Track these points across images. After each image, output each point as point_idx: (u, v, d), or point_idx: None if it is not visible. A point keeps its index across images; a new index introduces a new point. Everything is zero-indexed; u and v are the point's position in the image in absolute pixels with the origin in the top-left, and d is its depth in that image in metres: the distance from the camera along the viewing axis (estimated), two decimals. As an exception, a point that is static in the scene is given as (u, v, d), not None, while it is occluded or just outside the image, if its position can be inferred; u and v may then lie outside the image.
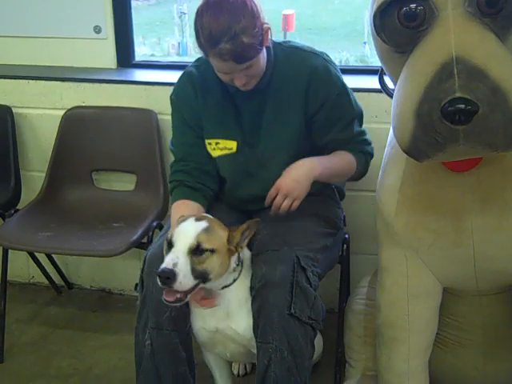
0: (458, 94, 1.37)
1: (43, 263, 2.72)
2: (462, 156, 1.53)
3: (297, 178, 1.83)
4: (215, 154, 1.96)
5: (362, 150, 2.03)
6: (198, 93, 1.94)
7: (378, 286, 1.92)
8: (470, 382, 1.99)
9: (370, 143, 2.07)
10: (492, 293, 1.85)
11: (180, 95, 1.98)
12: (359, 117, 2.05)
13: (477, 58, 1.40)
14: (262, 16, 1.79)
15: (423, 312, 1.84)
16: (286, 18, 8.82)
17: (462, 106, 1.37)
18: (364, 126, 2.33)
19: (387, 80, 1.81)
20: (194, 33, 1.76)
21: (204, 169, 1.96)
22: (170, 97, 2.00)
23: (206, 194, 1.95)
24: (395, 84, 1.59)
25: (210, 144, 1.96)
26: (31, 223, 2.37)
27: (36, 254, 2.67)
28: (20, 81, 2.60)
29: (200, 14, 1.74)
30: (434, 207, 1.73)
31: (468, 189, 1.69)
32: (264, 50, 1.84)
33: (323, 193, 2.07)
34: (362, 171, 2.05)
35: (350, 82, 2.44)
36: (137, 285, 1.88)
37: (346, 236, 2.18)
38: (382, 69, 1.82)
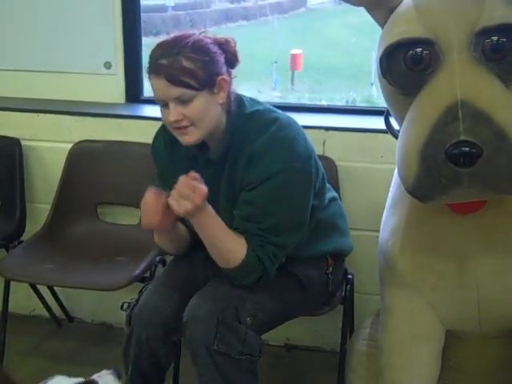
0: (462, 137, 1.39)
1: (45, 295, 2.71)
2: (466, 198, 1.54)
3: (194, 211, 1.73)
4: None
5: (261, 244, 1.78)
6: (167, 148, 1.92)
7: (381, 326, 1.91)
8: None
9: (274, 255, 1.78)
10: (496, 336, 1.84)
11: (155, 145, 1.98)
12: (295, 214, 1.80)
13: (481, 102, 1.41)
14: (220, 66, 1.75)
15: (426, 354, 1.82)
16: (294, 57, 8.96)
17: (467, 149, 1.38)
18: (369, 165, 2.38)
19: (393, 121, 1.83)
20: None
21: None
22: (151, 151, 2.01)
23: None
24: (400, 125, 1.61)
25: None
26: (34, 255, 2.38)
27: (38, 286, 2.67)
28: (30, 114, 2.63)
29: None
30: (437, 248, 1.72)
31: (472, 231, 1.69)
32: (214, 103, 1.75)
33: (305, 260, 1.95)
34: (252, 267, 1.77)
35: (357, 122, 2.50)
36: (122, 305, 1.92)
37: (349, 277, 2.17)
38: (387, 110, 1.84)
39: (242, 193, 1.81)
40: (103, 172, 2.59)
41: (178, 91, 1.69)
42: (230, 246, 1.78)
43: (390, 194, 1.91)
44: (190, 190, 1.68)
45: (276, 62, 7.51)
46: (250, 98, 1.88)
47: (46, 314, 2.80)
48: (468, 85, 1.43)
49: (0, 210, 2.62)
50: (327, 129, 2.39)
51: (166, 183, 1.84)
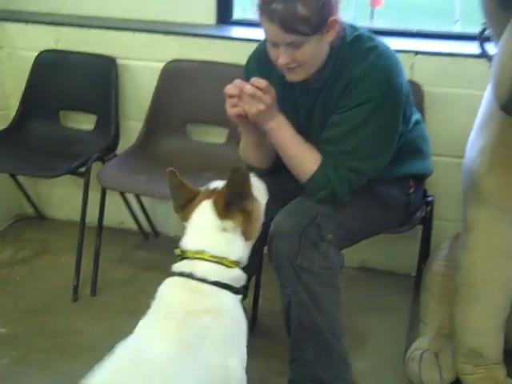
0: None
1: (134, 210, 2.87)
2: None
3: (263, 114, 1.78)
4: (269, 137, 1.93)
5: (336, 165, 1.81)
6: (263, 72, 1.88)
7: (462, 244, 1.95)
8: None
9: (347, 179, 1.82)
10: None
11: (247, 70, 1.99)
12: (378, 142, 1.82)
13: None
14: (333, 7, 1.73)
15: (504, 272, 1.87)
16: None
17: None
18: (457, 90, 2.36)
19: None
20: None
21: None
22: (245, 65, 2.02)
23: None
24: (497, 43, 1.61)
25: None
26: (127, 167, 2.51)
27: (128, 200, 2.83)
28: (125, 32, 2.72)
29: None
30: (525, 169, 1.74)
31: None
32: (323, 43, 1.76)
33: (388, 180, 1.98)
34: (320, 185, 1.83)
35: (446, 47, 2.47)
36: None
37: (429, 199, 2.21)
38: (481, 31, 1.83)
39: (333, 116, 1.85)
40: (193, 91, 2.67)
41: (290, 38, 1.70)
42: (301, 158, 1.83)
43: (478, 115, 1.93)
44: (262, 89, 1.74)
45: (356, -1, 7.34)
46: (349, 25, 1.89)
47: (134, 227, 2.96)
48: None
49: (96, 125, 2.76)
50: (416, 53, 2.38)
51: None
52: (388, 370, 2.14)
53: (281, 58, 1.74)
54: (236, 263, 1.55)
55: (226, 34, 2.71)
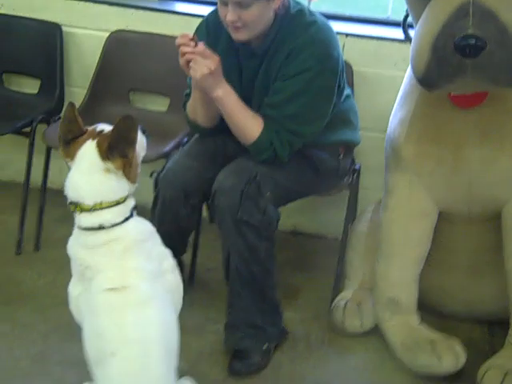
0: (470, 31, 1.62)
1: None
2: (469, 89, 1.78)
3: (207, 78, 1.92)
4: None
5: (278, 130, 1.99)
6: (211, 37, 2.05)
7: (383, 206, 2.18)
8: (455, 302, 2.27)
9: (288, 142, 2.00)
10: (482, 220, 2.11)
11: (197, 34, 2.09)
12: (316, 108, 2.01)
13: (490, 2, 1.63)
14: None
15: (419, 230, 2.11)
16: None
17: (473, 41, 1.62)
18: (383, 71, 2.58)
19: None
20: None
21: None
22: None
23: None
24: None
25: None
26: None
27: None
28: (72, 1, 2.81)
29: None
30: (438, 138, 1.98)
31: (470, 124, 1.94)
32: (268, 9, 1.93)
33: (320, 146, 2.17)
34: (263, 147, 2.00)
35: (375, 31, 2.68)
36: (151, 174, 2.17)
37: (357, 166, 2.43)
38: (405, 17, 2.05)
39: (275, 82, 2.03)
40: (136, 61, 2.78)
41: None
42: (245, 123, 2.00)
43: (400, 90, 2.15)
44: (206, 57, 1.91)
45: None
46: (294, 0, 2.07)
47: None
48: (480, -14, 1.65)
49: (40, 89, 2.84)
50: (347, 35, 2.59)
51: None
52: (315, 320, 2.35)
53: (229, 15, 1.89)
54: (127, 196, 1.65)
55: (169, 8, 2.83)
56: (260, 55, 2.04)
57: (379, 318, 2.21)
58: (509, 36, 1.62)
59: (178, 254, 2.29)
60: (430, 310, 2.30)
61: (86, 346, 1.63)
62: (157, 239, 1.72)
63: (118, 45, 2.80)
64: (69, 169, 1.65)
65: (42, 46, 2.82)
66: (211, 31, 2.08)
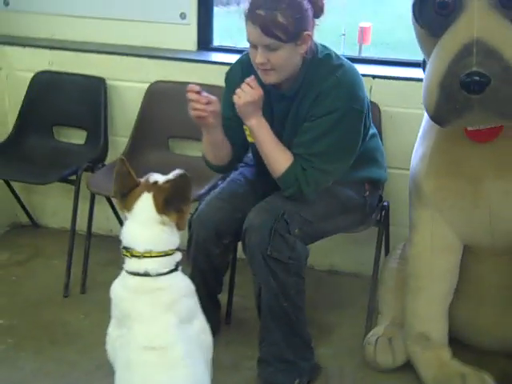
0: (474, 69, 1.69)
1: (122, 217, 3.11)
2: (478, 123, 1.83)
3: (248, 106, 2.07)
4: (250, 139, 2.22)
5: (304, 167, 2.08)
6: (244, 78, 2.11)
7: (408, 241, 2.22)
8: (486, 334, 2.26)
9: (314, 180, 2.09)
10: (508, 253, 2.12)
11: (230, 75, 2.27)
12: (343, 146, 2.10)
13: (494, 41, 1.70)
14: (309, 23, 2.02)
15: (444, 264, 2.14)
16: (363, 30, 8.93)
17: (477, 78, 1.68)
18: (409, 110, 2.64)
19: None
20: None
21: (233, 140, 2.23)
22: (225, 75, 2.31)
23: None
24: (429, 63, 1.90)
25: (246, 130, 2.19)
26: (115, 176, 2.77)
27: (117, 209, 3.07)
28: (114, 56, 3.00)
29: None
30: (456, 172, 2.03)
31: (487, 158, 1.98)
32: (296, 53, 2.03)
33: (346, 183, 2.24)
34: (289, 182, 2.10)
35: (401, 72, 2.76)
36: None
37: (385, 203, 2.48)
38: (424, 59, 2.12)
39: (304, 123, 2.12)
40: (174, 109, 2.91)
41: (267, 40, 1.98)
42: (275, 155, 2.11)
43: (421, 128, 2.21)
44: (253, 88, 2.05)
45: (344, 35, 7.60)
46: (321, 44, 2.16)
47: (122, 234, 3.20)
48: (484, 26, 1.72)
49: (87, 140, 3.03)
50: (374, 77, 2.67)
51: (231, 111, 2.17)
52: (348, 356, 2.38)
53: (258, 57, 2.02)
54: (175, 249, 1.75)
55: (205, 58, 2.99)
56: (289, 98, 2.15)
57: (410, 353, 2.22)
58: (512, 72, 1.68)
59: (213, 293, 2.39)
60: (464, 345, 2.30)
61: None
62: (196, 297, 1.80)
63: (157, 95, 2.96)
64: (125, 219, 1.75)
65: (88, 99, 3.01)
66: (245, 71, 2.18)
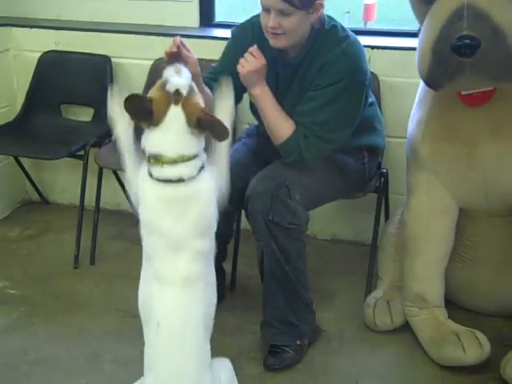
0: (465, 32, 1.75)
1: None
2: (470, 86, 1.89)
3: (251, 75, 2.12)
4: (252, 99, 2.26)
5: (306, 135, 2.13)
6: (254, 41, 2.18)
7: (405, 205, 2.29)
8: (482, 296, 2.34)
9: (315, 148, 2.14)
10: (503, 214, 2.19)
11: (239, 34, 2.29)
12: (345, 116, 2.16)
13: (483, 5, 1.76)
14: None
15: (441, 226, 2.21)
16: (367, 7, 8.89)
17: (468, 41, 1.74)
18: (408, 80, 2.68)
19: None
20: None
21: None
22: (232, 30, 2.34)
23: None
24: (423, 31, 1.96)
25: (250, 94, 2.24)
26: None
27: (124, 184, 3.15)
28: (118, 35, 3.06)
29: None
30: (452, 136, 2.09)
31: (481, 121, 2.05)
32: (306, 21, 2.08)
33: (345, 150, 2.29)
34: (291, 149, 2.15)
35: (399, 42, 2.81)
36: None
37: (383, 170, 2.54)
38: (419, 28, 2.17)
39: (308, 92, 2.18)
40: (179, 84, 3.00)
41: (282, 5, 2.01)
42: (278, 123, 2.16)
43: (416, 96, 2.27)
44: (255, 57, 2.11)
45: (348, 12, 7.60)
46: (328, 15, 2.20)
47: (129, 208, 3.27)
48: (473, -9, 1.77)
49: (94, 117, 3.11)
50: (373, 47, 2.72)
51: (230, 64, 2.20)
52: (349, 319, 2.46)
53: (271, 21, 2.05)
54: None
55: (208, 34, 3.05)
56: (295, 65, 2.21)
57: (408, 314, 2.30)
58: (501, 35, 1.73)
59: (218, 260, 2.46)
60: (458, 307, 2.38)
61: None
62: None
63: (162, 71, 3.01)
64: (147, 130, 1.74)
65: (94, 77, 3.08)
66: (255, 39, 2.22)
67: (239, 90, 2.22)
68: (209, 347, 1.77)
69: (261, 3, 2.09)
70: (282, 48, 2.16)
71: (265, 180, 2.19)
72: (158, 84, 1.78)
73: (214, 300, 1.83)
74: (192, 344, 1.73)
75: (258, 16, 2.25)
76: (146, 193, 1.77)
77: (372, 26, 7.35)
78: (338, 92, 2.12)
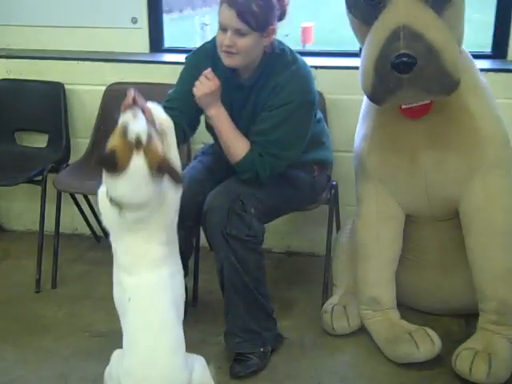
0: (402, 51, 1.91)
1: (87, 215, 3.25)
2: (409, 99, 2.05)
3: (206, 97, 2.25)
4: (208, 120, 2.36)
5: (261, 153, 2.25)
6: (208, 65, 2.28)
7: (356, 214, 2.43)
8: (430, 297, 2.49)
9: (270, 165, 2.25)
10: (445, 219, 2.35)
11: (193, 60, 2.38)
12: (296, 134, 2.28)
13: (418, 26, 1.93)
14: (275, 18, 2.20)
15: (389, 232, 2.35)
16: (305, 30, 9.08)
17: (405, 59, 1.90)
18: (351, 97, 2.84)
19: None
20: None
21: (185, 111, 2.31)
22: (186, 57, 2.44)
23: (176, 129, 2.16)
24: (364, 50, 2.12)
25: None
26: (78, 174, 2.89)
27: (82, 207, 3.21)
28: (71, 62, 3.14)
29: None
30: (395, 147, 2.25)
31: (420, 132, 2.21)
32: (259, 44, 2.20)
33: (296, 165, 2.40)
34: (247, 167, 2.26)
35: (342, 62, 2.98)
36: None
37: (333, 183, 2.69)
38: (360, 48, 2.33)
39: (262, 112, 2.30)
40: (133, 109, 3.09)
41: (240, 25, 2.14)
42: (234, 142, 2.28)
43: (361, 111, 2.42)
44: (209, 79, 2.23)
45: (287, 35, 7.82)
46: (278, 40, 2.33)
47: (87, 232, 3.33)
48: (408, 13, 1.94)
49: (49, 143, 3.16)
50: (317, 67, 2.86)
51: (186, 89, 2.30)
52: (308, 326, 2.57)
53: (227, 40, 2.17)
54: None
55: (158, 59, 3.16)
56: (248, 87, 2.32)
57: (363, 317, 2.43)
58: (435, 52, 1.90)
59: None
60: (409, 308, 2.52)
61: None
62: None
63: (115, 96, 3.09)
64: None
65: (48, 103, 3.15)
66: (209, 63, 2.32)
67: (196, 113, 2.36)
68: (182, 332, 1.90)
69: (219, 22, 2.20)
70: (235, 67, 2.27)
71: (221, 195, 2.29)
72: (118, 131, 1.85)
73: (182, 289, 1.98)
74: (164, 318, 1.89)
75: (209, 42, 2.39)
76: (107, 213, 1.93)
77: (310, 48, 7.56)
78: (289, 112, 2.25)
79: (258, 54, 2.26)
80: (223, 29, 2.20)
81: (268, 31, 2.21)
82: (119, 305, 1.96)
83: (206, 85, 2.24)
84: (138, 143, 1.79)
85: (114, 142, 1.82)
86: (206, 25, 11.38)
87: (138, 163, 1.79)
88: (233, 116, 2.31)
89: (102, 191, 1.95)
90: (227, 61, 2.24)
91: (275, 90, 2.26)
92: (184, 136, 2.34)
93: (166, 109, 2.26)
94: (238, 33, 2.17)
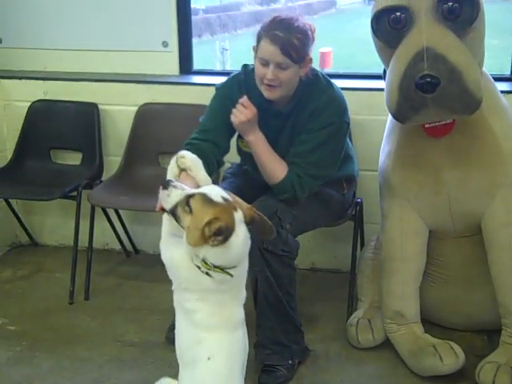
0: (426, 72, 1.99)
1: (118, 231, 3.36)
2: (433, 118, 2.13)
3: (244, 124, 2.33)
4: (246, 149, 2.47)
5: (300, 174, 2.32)
6: (241, 94, 2.35)
7: (381, 229, 2.50)
8: (453, 312, 2.55)
9: (308, 186, 2.34)
10: (468, 235, 2.41)
11: (225, 90, 2.45)
12: (334, 154, 2.38)
13: (440, 48, 2.02)
14: (311, 49, 2.30)
15: (413, 247, 2.42)
16: (323, 55, 9.18)
17: (429, 79, 1.98)
18: (376, 117, 2.93)
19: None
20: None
21: (218, 143, 2.38)
22: (216, 87, 2.51)
23: (210, 162, 2.26)
24: (388, 71, 2.21)
25: (242, 142, 2.46)
26: (111, 190, 3.02)
27: (113, 223, 3.31)
28: (105, 83, 3.28)
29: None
30: (419, 165, 2.33)
31: (443, 151, 2.29)
32: (298, 74, 2.28)
33: (327, 183, 2.46)
34: (286, 188, 2.33)
35: (367, 84, 3.06)
36: None
37: (358, 200, 2.77)
38: (384, 70, 2.42)
39: (300, 135, 2.38)
40: (163, 128, 3.19)
41: (282, 59, 2.22)
42: (272, 166, 2.35)
43: (386, 130, 2.51)
44: (246, 107, 2.31)
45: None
46: (311, 67, 2.38)
47: (118, 247, 3.44)
48: (431, 36, 2.03)
49: (82, 161, 3.29)
50: (343, 89, 2.95)
51: (222, 118, 2.39)
52: (334, 339, 2.64)
53: (269, 74, 2.25)
54: None
55: (187, 81, 3.28)
56: (285, 114, 2.40)
57: (388, 330, 2.49)
58: (457, 73, 1.99)
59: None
60: (432, 323, 2.58)
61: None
62: None
63: (146, 116, 3.24)
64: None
65: (82, 123, 3.27)
66: (243, 90, 2.40)
67: (228, 142, 2.45)
68: None
69: (259, 57, 2.27)
70: (276, 99, 2.34)
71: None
72: (197, 203, 1.72)
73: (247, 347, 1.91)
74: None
75: (240, 73, 2.47)
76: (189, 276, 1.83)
77: (329, 72, 7.64)
78: (329, 134, 2.35)
79: (296, 83, 2.34)
80: (264, 63, 2.26)
81: (306, 61, 2.30)
82: (187, 356, 1.85)
83: (243, 113, 2.32)
84: (227, 201, 1.74)
85: (203, 212, 1.71)
86: (226, 50, 11.63)
87: (240, 221, 1.76)
88: (270, 141, 2.39)
89: (180, 254, 1.83)
90: (268, 93, 2.31)
91: (314, 113, 2.35)
92: (218, 165, 2.43)
93: (200, 140, 2.38)
94: (280, 67, 2.24)
